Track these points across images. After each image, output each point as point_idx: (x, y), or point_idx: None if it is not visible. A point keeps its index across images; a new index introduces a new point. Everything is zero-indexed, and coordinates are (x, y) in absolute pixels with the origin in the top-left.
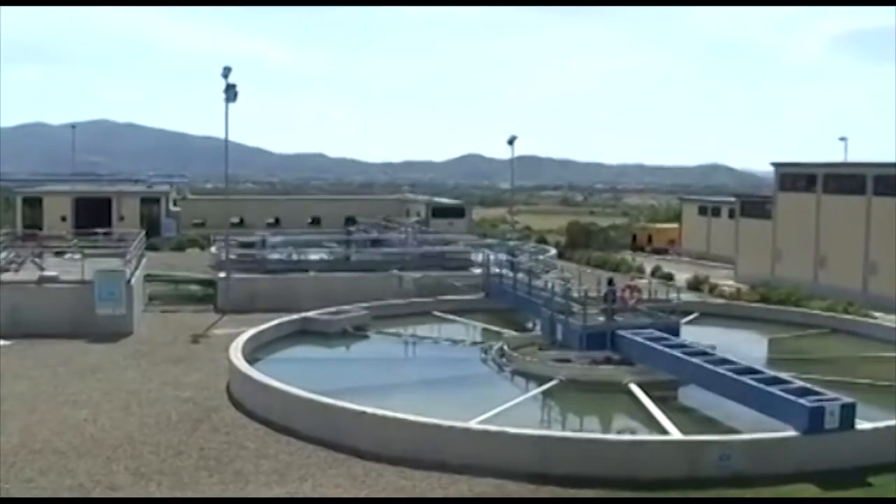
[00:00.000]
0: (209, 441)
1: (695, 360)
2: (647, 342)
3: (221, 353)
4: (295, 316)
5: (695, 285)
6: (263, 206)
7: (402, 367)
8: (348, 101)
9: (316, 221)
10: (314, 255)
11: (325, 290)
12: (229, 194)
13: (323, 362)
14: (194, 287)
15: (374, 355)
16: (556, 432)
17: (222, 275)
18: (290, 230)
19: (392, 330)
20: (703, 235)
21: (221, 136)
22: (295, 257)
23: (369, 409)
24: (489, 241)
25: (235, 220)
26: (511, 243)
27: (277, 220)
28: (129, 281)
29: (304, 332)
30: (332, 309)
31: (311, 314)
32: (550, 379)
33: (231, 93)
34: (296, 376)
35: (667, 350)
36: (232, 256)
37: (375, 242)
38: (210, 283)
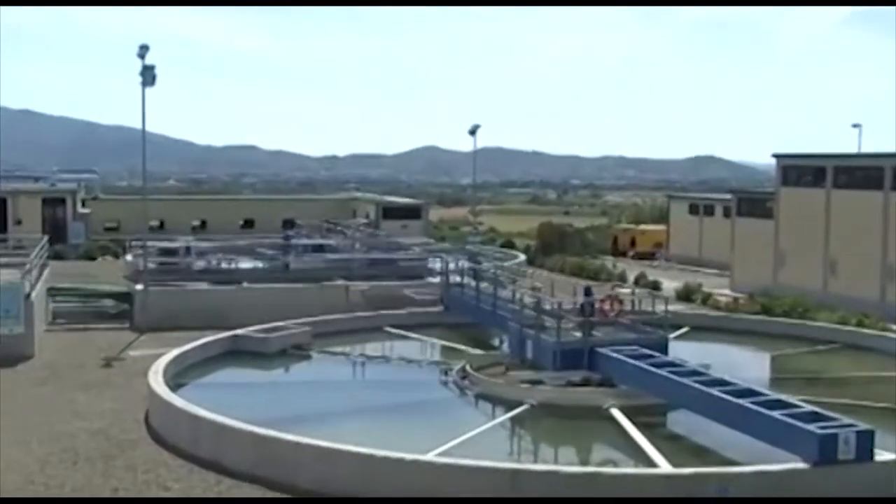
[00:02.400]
0: (123, 481)
1: (686, 380)
2: (631, 360)
3: (139, 377)
4: (225, 334)
5: (685, 295)
6: (187, 207)
7: (350, 391)
8: (285, 87)
9: (249, 224)
10: (247, 264)
11: (260, 303)
12: (147, 193)
13: (258, 387)
14: (107, 301)
15: (318, 378)
16: (528, 465)
17: (139, 287)
18: (218, 235)
19: (338, 349)
20: (694, 238)
21: (137, 125)
22: (224, 266)
23: (312, 441)
24: (449, 245)
25: (155, 223)
26: (474, 248)
27: (204, 224)
28: (28, 295)
29: (236, 353)
30: (268, 325)
31: (243, 332)
32: (520, 404)
33: (148, 76)
34: (226, 404)
35: (653, 370)
36: (151, 265)
37: (318, 248)
38: (125, 297)
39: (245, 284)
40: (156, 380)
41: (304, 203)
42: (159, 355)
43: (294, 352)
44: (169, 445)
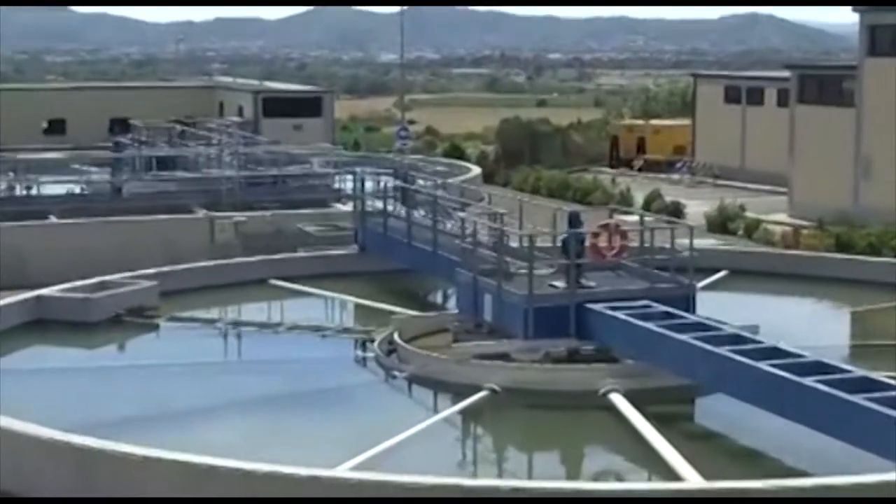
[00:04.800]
0: None
1: (722, 351)
2: (640, 323)
3: None
4: (23, 296)
5: (720, 224)
6: None
7: (220, 377)
8: None
9: (56, 128)
10: (56, 188)
11: (78, 247)
12: None
13: (76, 375)
14: None
15: (169, 358)
16: (486, 481)
17: None
18: (10, 145)
19: (199, 314)
20: (733, 138)
21: None
22: (21, 192)
23: (162, 453)
24: (365, 156)
25: None
26: (403, 159)
27: None
28: None
29: (42, 324)
30: (91, 281)
31: (51, 291)
32: (476, 389)
33: None
34: (28, 402)
35: (673, 335)
36: None
37: (165, 163)
38: None
39: (53, 219)
40: None
41: (144, 94)
42: None
43: (132, 319)
44: None
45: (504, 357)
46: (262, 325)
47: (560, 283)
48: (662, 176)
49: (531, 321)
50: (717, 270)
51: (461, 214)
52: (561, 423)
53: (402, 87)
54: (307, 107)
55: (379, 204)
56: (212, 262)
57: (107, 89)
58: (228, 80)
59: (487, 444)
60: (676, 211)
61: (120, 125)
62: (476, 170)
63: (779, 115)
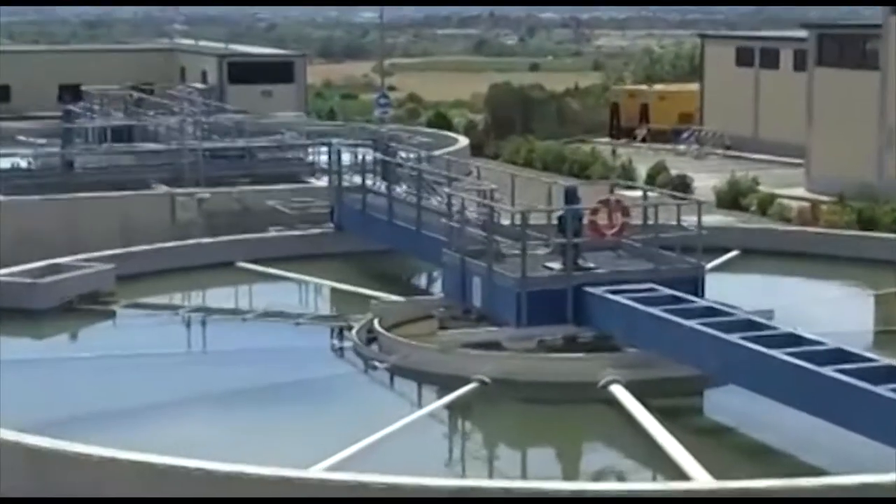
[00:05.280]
0: None
1: (734, 338)
2: (644, 308)
3: None
4: None
5: (732, 199)
6: None
7: (182, 369)
8: None
9: (0, 94)
10: None
11: (24, 227)
12: None
13: (25, 368)
14: None
15: (127, 350)
16: (475, 481)
17: None
18: None
19: (160, 300)
20: (745, 105)
21: None
22: None
23: (119, 453)
24: (341, 126)
25: None
26: (383, 129)
27: None
28: None
29: None
30: (40, 264)
31: None
32: (464, 381)
33: None
34: None
35: (680, 321)
36: None
37: (121, 134)
38: None
39: None
40: None
41: (97, 57)
42: None
43: (85, 307)
44: None
45: (495, 346)
46: (230, 313)
47: (556, 265)
48: (668, 147)
49: (524, 306)
50: (728, 250)
51: (447, 190)
52: (557, 418)
53: (381, 49)
54: (277, 72)
55: (357, 179)
56: (173, 244)
57: (56, 52)
58: (190, 42)
59: (477, 441)
60: (683, 185)
61: (70, 92)
62: (463, 141)
63: (795, 79)
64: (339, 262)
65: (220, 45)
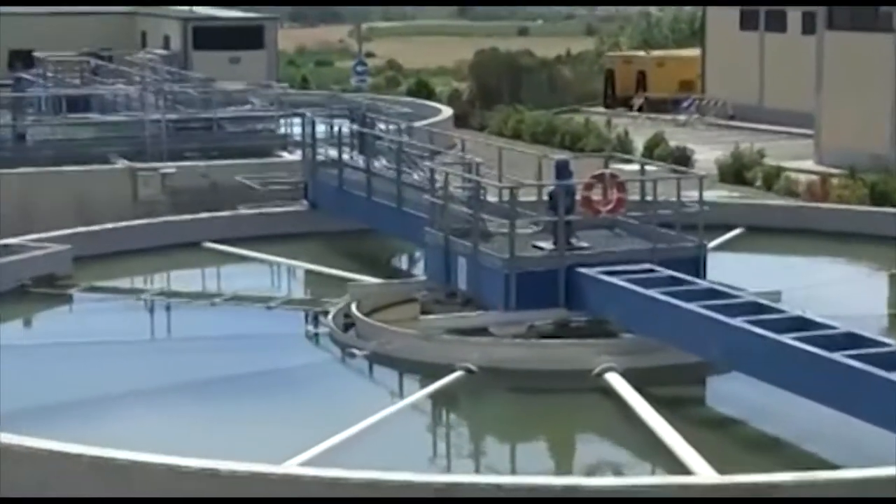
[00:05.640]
0: None
1: (738, 322)
2: (641, 290)
3: None
4: None
5: (735, 173)
6: None
7: (145, 357)
8: None
9: None
10: None
11: None
12: None
13: None
14: None
15: (86, 336)
16: (462, 476)
17: None
18: None
19: (121, 283)
20: (750, 72)
21: None
22: None
23: (75, 448)
24: (316, 95)
25: None
26: (360, 99)
27: None
28: None
29: None
30: None
31: None
32: (448, 369)
33: None
34: None
35: (680, 304)
36: None
37: (77, 104)
38: None
39: None
40: None
41: (50, 21)
42: None
43: (40, 291)
44: None
45: (481, 331)
46: (196, 297)
47: (547, 244)
48: (667, 117)
49: (513, 289)
50: (732, 227)
51: (430, 164)
52: (548, 409)
53: (358, 13)
54: (246, 37)
55: (333, 152)
56: (135, 222)
57: (5, 15)
58: (152, 5)
59: (463, 434)
60: (683, 158)
61: (22, 59)
62: (447, 111)
63: (803, 43)
64: (313, 242)
65: (184, 7)
